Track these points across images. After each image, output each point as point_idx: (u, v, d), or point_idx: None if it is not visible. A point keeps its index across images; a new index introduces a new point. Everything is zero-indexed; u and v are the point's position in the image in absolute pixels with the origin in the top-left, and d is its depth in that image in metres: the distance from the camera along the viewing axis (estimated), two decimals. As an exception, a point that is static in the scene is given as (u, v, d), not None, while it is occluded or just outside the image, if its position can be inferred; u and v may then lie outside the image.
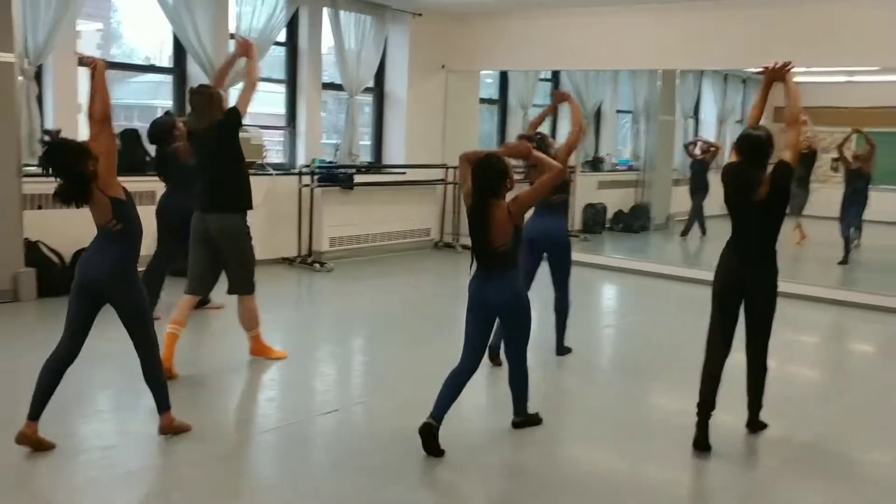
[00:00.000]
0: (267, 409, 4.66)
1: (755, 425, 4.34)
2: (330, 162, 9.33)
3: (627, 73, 12.54)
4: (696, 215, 11.31)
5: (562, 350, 5.52)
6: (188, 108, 5.10)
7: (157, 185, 6.23)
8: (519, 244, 3.93)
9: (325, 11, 8.98)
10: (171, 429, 3.87)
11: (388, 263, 9.18)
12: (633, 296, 8.50)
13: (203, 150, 4.85)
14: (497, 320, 4.14)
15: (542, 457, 4.00)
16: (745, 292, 4.06)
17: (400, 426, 4.21)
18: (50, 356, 3.69)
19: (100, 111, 3.61)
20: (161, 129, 6.09)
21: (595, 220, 11.83)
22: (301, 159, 9.06)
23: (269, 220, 8.29)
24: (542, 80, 11.87)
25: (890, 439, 4.48)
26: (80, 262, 3.71)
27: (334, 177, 9.06)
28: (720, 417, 4.11)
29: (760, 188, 3.90)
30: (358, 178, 9.25)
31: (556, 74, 12.19)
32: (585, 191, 11.63)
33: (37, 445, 3.63)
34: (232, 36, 7.90)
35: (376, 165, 10.09)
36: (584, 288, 5.67)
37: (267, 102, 9.73)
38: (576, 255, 5.70)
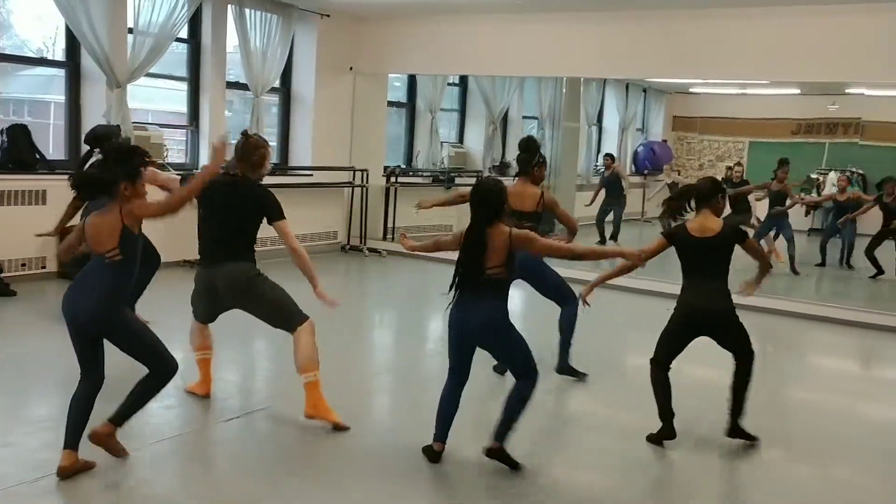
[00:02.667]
0: (165, 416, 4.49)
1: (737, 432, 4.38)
2: (234, 163, 9.12)
3: (533, 80, 12.77)
4: (615, 223, 11.61)
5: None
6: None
7: (48, 185, 5.92)
8: (513, 273, 3.85)
9: (230, 9, 8.79)
10: (104, 441, 3.67)
11: (294, 267, 8.99)
12: (542, 302, 8.60)
13: (219, 198, 4.53)
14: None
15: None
16: (708, 328, 4.28)
17: (304, 431, 4.14)
18: (76, 391, 3.57)
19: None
20: (104, 134, 5.74)
21: (501, 224, 11.94)
22: (203, 160, 8.81)
23: (170, 222, 7.90)
24: (450, 84, 11.95)
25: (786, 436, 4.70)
26: (65, 302, 3.52)
27: (238, 178, 8.86)
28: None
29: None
30: (263, 180, 9.06)
31: (463, 79, 12.30)
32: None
33: (82, 468, 3.54)
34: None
35: (282, 167, 9.92)
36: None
37: (168, 100, 9.44)
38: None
